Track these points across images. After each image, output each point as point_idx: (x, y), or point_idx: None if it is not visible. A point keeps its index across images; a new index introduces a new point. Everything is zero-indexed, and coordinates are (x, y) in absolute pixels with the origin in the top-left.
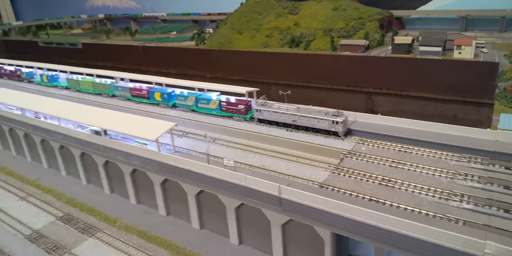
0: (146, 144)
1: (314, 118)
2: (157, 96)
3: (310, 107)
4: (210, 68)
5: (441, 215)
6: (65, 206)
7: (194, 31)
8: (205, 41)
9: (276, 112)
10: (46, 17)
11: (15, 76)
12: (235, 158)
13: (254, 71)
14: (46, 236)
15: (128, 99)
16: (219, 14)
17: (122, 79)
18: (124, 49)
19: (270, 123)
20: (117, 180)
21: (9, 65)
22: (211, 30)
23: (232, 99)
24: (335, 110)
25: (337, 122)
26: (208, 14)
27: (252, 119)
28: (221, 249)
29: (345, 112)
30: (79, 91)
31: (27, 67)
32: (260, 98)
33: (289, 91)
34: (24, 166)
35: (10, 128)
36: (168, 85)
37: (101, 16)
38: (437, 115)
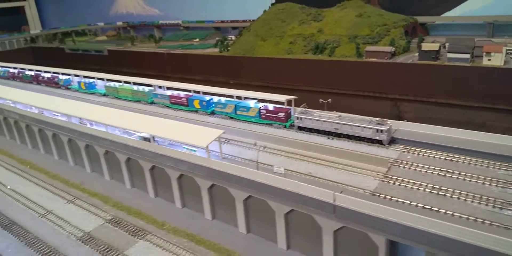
0: (194, 150)
1: (358, 126)
2: (196, 103)
3: (351, 115)
4: (233, 74)
5: (498, 224)
6: (113, 209)
7: (217, 38)
8: (229, 48)
9: (317, 120)
10: (70, 24)
11: (53, 83)
12: (280, 165)
13: (278, 77)
14: (98, 238)
15: (167, 106)
16: (234, 21)
17: (159, 87)
18: (150, 56)
19: (310, 130)
20: (162, 185)
21: (45, 72)
22: (233, 37)
23: (271, 106)
24: (379, 118)
25: (381, 131)
26: (222, 21)
27: (291, 126)
28: (269, 254)
29: (389, 121)
30: (117, 98)
31: (63, 74)
32: (301, 106)
33: (330, 100)
34: (67, 170)
35: (54, 133)
36: (204, 93)
37: (119, 23)
38: (465, 122)
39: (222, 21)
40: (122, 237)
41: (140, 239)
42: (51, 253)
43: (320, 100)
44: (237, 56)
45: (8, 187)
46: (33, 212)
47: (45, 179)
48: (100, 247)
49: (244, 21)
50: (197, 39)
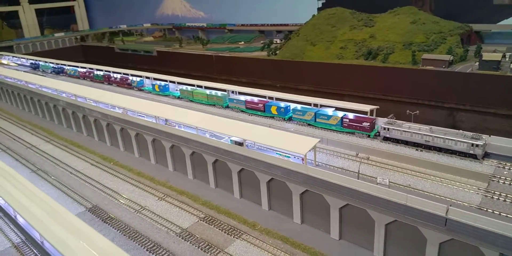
0: (288, 157)
1: (452, 140)
2: (273, 109)
3: (443, 128)
4: (280, 78)
5: None
6: (203, 208)
7: (262, 41)
8: (277, 52)
9: (407, 131)
10: (116, 24)
11: (125, 83)
12: (374, 174)
13: (328, 82)
14: (196, 235)
15: (242, 111)
16: (279, 25)
17: (232, 92)
18: (198, 57)
19: (397, 141)
20: (249, 187)
21: (114, 72)
22: (278, 41)
23: (351, 115)
24: (473, 133)
25: (477, 145)
26: (272, 25)
27: (375, 136)
28: None
29: (483, 136)
30: (191, 101)
31: (133, 75)
32: (388, 117)
33: (417, 111)
34: (150, 168)
35: (137, 133)
36: (278, 99)
37: (151, 25)
38: None
39: (273, 25)
40: (219, 235)
41: (236, 238)
42: (154, 247)
43: (408, 111)
44: (285, 60)
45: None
46: (129, 208)
47: (131, 175)
48: (201, 244)
49: (285, 25)
50: (242, 42)
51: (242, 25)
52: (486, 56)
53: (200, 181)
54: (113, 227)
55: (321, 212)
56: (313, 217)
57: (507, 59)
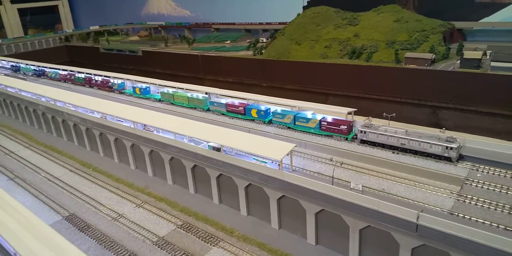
0: (265, 162)
1: (427, 142)
2: (253, 112)
3: (419, 131)
4: (267, 77)
5: None
6: (181, 215)
7: (248, 40)
8: (263, 51)
9: (383, 134)
10: (102, 23)
11: (106, 86)
12: (349, 179)
13: (313, 81)
14: (173, 243)
15: (223, 114)
16: (248, 24)
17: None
18: (183, 57)
19: (374, 144)
20: (228, 192)
21: (95, 75)
22: (264, 40)
23: (329, 118)
24: (448, 135)
25: (451, 148)
26: (260, 23)
27: (353, 139)
28: None
29: (458, 139)
30: (172, 104)
31: (114, 78)
32: (364, 120)
33: (394, 114)
34: (129, 173)
35: (116, 138)
36: (259, 102)
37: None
38: (506, 132)
39: (259, 24)
40: (196, 243)
41: (213, 246)
42: None
43: (384, 114)
44: (271, 59)
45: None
46: (106, 216)
47: (110, 182)
48: (177, 253)
49: (269, 23)
50: (228, 41)
51: (225, 23)
52: (467, 54)
53: (179, 186)
54: (89, 236)
55: (298, 218)
56: (291, 222)
57: (488, 57)
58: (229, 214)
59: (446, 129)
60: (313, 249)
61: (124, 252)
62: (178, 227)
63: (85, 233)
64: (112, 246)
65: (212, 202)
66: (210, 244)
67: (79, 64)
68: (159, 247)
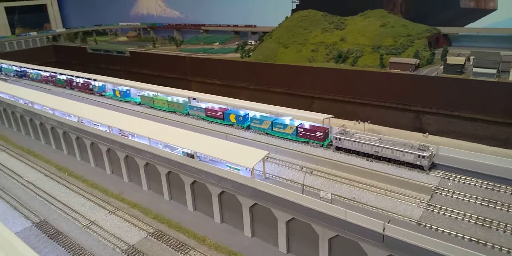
0: (238, 169)
1: (399, 150)
2: (232, 117)
3: (393, 138)
4: (254, 80)
5: None
6: (154, 222)
7: (237, 43)
8: (250, 54)
9: (357, 141)
10: (91, 23)
11: (86, 89)
12: (322, 187)
13: (300, 85)
14: (143, 252)
15: (202, 119)
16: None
17: (194, 99)
18: (171, 59)
19: (349, 151)
20: (202, 199)
21: (77, 77)
22: (253, 42)
23: (307, 125)
24: (421, 143)
25: (423, 156)
26: (246, 26)
27: (328, 146)
28: None
29: (430, 147)
30: (152, 107)
31: (95, 80)
32: (339, 127)
33: (369, 121)
34: (105, 178)
35: (92, 142)
36: (238, 107)
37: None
38: (488, 137)
39: (247, 26)
40: (166, 252)
41: (183, 255)
42: None
43: (359, 121)
44: (258, 62)
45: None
46: (77, 222)
47: (84, 187)
48: None
49: (253, 26)
50: (217, 43)
51: (214, 25)
52: (450, 60)
53: (154, 192)
54: (58, 244)
55: (270, 226)
56: (263, 230)
57: (471, 62)
58: (202, 221)
59: (429, 133)
60: None
61: None
62: (150, 235)
63: (54, 241)
64: (81, 254)
65: (186, 209)
66: (181, 253)
67: (66, 65)
68: (128, 255)
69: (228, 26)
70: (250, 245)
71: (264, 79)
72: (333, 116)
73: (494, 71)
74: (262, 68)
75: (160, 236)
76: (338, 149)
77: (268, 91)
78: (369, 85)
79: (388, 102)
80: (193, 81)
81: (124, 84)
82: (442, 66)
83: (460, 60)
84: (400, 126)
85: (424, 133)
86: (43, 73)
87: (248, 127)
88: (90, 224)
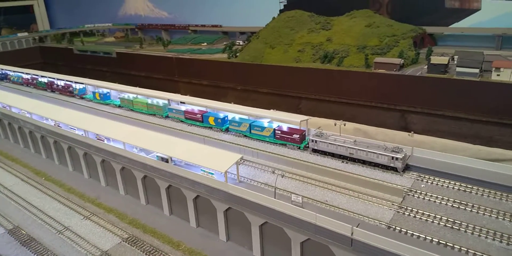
0: (212, 173)
1: (373, 152)
2: (211, 120)
3: (367, 140)
4: (241, 80)
5: None
6: (129, 227)
7: (224, 43)
8: (237, 55)
9: (332, 144)
10: (78, 24)
11: (67, 91)
12: (296, 190)
13: (286, 85)
14: None
15: (181, 121)
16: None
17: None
18: (158, 59)
19: (325, 153)
20: (178, 204)
21: (58, 79)
22: (241, 42)
23: (285, 127)
24: (394, 145)
25: (397, 158)
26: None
27: (305, 148)
28: None
29: (404, 148)
30: (132, 110)
31: (77, 83)
32: (315, 129)
33: (345, 123)
34: (82, 183)
35: (69, 146)
36: (219, 109)
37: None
38: (472, 136)
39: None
40: None
41: None
42: None
43: (335, 122)
44: (245, 63)
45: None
46: (51, 228)
47: (60, 192)
48: None
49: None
50: (205, 43)
51: (202, 25)
52: (434, 59)
53: (131, 197)
54: (30, 251)
55: (244, 230)
56: (237, 234)
57: (455, 62)
58: (178, 226)
59: (414, 132)
60: None
61: None
62: (124, 241)
63: (26, 247)
64: None
65: (162, 214)
66: None
67: (52, 66)
68: None
69: (196, 25)
70: (225, 249)
71: (251, 80)
72: (310, 118)
73: (477, 70)
74: (249, 69)
75: (134, 241)
76: (315, 151)
77: (255, 92)
78: (354, 85)
79: (374, 102)
80: (180, 82)
81: (104, 86)
82: (426, 66)
83: (444, 60)
84: (386, 126)
85: (410, 132)
86: (24, 76)
87: (227, 130)
88: (64, 230)
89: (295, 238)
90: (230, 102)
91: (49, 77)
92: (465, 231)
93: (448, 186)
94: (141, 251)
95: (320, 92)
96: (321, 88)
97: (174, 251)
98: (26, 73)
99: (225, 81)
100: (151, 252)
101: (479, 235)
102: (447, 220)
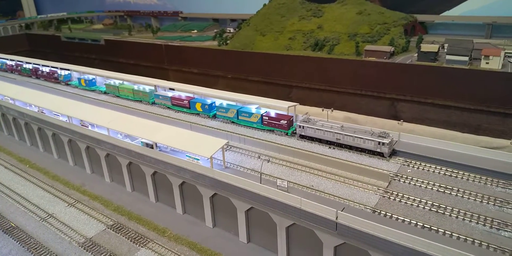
0: (198, 159)
1: (360, 138)
2: (198, 106)
3: (354, 126)
4: (231, 68)
5: (494, 246)
6: (114, 214)
7: (215, 30)
8: (228, 42)
9: (320, 129)
10: (66, 10)
11: (52, 78)
12: (282, 176)
13: (277, 73)
14: (100, 245)
15: (168, 108)
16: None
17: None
18: (147, 47)
19: (312, 139)
20: (164, 190)
21: (43, 65)
22: (231, 30)
23: (273, 113)
24: (381, 130)
25: (383, 143)
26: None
27: (293, 134)
28: None
29: (391, 133)
30: (118, 96)
31: (62, 69)
32: (302, 115)
33: (332, 109)
34: (67, 170)
35: (54, 133)
36: (207, 96)
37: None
38: (461, 124)
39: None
40: (124, 244)
41: (142, 247)
42: None
43: (322, 108)
44: (236, 50)
45: None
46: (34, 216)
47: (45, 179)
48: (102, 255)
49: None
50: (195, 31)
51: (192, 13)
52: (424, 47)
53: (117, 184)
54: (13, 238)
55: (230, 216)
56: (224, 220)
57: (445, 50)
58: (164, 212)
59: (404, 121)
60: (244, 247)
61: (48, 255)
62: (108, 228)
63: (9, 235)
64: (36, 248)
65: (148, 201)
66: (139, 245)
67: (40, 53)
68: (85, 249)
69: (159, 12)
70: (211, 235)
71: (242, 68)
72: (298, 104)
73: (466, 58)
74: (239, 57)
75: (119, 228)
76: (302, 137)
77: (246, 80)
78: (345, 73)
79: (364, 90)
80: (170, 70)
81: (89, 72)
82: (417, 54)
83: (434, 48)
84: (376, 114)
85: (399, 120)
86: (8, 62)
87: (214, 116)
88: (48, 217)
89: (280, 223)
90: None
91: (34, 64)
92: (450, 215)
93: (434, 171)
94: (126, 238)
95: (311, 80)
96: (312, 76)
97: (160, 238)
98: (10, 60)
99: (215, 69)
100: (136, 238)
101: (463, 219)
102: (432, 204)
